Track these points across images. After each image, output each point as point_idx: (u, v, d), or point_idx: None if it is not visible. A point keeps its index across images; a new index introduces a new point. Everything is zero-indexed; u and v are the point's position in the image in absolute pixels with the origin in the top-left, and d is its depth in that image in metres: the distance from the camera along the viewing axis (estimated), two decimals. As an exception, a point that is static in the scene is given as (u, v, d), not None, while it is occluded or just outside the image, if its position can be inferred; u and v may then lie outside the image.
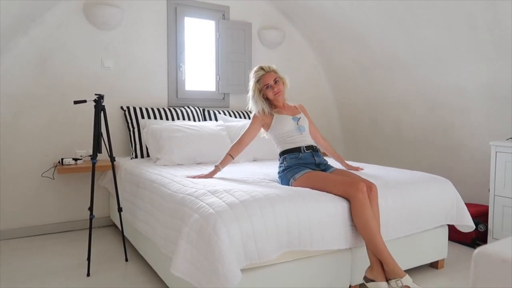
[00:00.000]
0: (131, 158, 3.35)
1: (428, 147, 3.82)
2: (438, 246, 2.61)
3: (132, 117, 3.46)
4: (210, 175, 2.48)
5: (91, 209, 2.50)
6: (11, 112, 3.12)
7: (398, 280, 1.95)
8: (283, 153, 2.49)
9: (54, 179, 3.18)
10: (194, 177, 2.46)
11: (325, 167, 2.48)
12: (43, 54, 3.21)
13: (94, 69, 3.41)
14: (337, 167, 2.54)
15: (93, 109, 2.53)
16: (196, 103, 3.88)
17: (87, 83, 3.38)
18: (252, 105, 2.58)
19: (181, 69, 3.78)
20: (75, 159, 3.19)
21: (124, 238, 2.74)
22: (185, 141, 3.11)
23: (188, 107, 3.74)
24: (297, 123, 2.54)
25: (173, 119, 3.56)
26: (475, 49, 3.09)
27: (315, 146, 2.54)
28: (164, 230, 2.09)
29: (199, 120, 3.69)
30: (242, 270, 1.74)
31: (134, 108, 3.49)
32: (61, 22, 3.26)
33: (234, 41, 4.02)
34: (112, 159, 2.64)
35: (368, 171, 2.74)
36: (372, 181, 2.37)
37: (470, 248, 3.00)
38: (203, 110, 3.83)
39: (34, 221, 3.22)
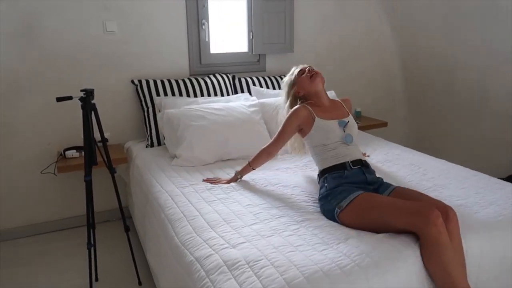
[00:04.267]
0: (146, 146, 2.77)
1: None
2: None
3: (145, 94, 2.82)
4: (227, 182, 2.10)
5: (89, 237, 2.00)
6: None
7: None
8: (323, 172, 1.87)
9: (56, 175, 2.68)
10: (210, 181, 2.13)
11: (378, 186, 1.82)
12: (28, 20, 2.54)
13: (95, 35, 2.72)
14: (395, 184, 1.83)
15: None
16: (224, 70, 3.14)
17: (87, 54, 2.71)
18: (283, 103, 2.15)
19: (203, 27, 2.99)
20: (79, 149, 2.67)
21: (134, 259, 2.25)
22: (208, 131, 2.45)
23: (215, 76, 3.02)
24: (344, 130, 1.91)
25: (195, 94, 2.88)
26: None
27: (365, 161, 1.89)
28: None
29: (227, 94, 2.98)
30: None
31: (148, 82, 2.83)
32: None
33: (271, -16, 3.11)
34: (112, 171, 2.06)
35: (434, 179, 2.05)
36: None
37: None
38: (233, 77, 3.10)
39: (35, 218, 2.80)
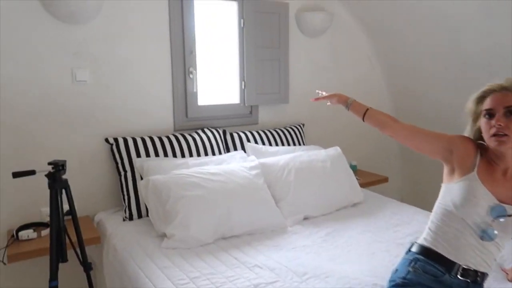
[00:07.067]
0: (124, 219, 2.26)
1: None
2: None
3: (123, 155, 2.33)
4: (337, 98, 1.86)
5: None
6: None
7: None
8: (419, 250, 1.39)
9: (5, 264, 2.09)
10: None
11: None
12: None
13: (63, 85, 2.24)
14: None
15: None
16: (212, 123, 2.73)
17: (53, 108, 2.22)
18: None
19: (191, 76, 2.61)
20: (37, 226, 2.11)
21: None
22: (206, 203, 2.00)
23: (203, 131, 2.61)
24: (492, 221, 1.28)
25: (182, 154, 2.44)
26: None
27: (482, 275, 1.33)
28: None
29: (219, 152, 2.56)
30: None
31: (125, 140, 2.36)
32: (7, 17, 2.06)
33: (264, 30, 2.80)
34: (88, 268, 1.55)
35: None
36: None
37: None
38: (224, 132, 2.70)
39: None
